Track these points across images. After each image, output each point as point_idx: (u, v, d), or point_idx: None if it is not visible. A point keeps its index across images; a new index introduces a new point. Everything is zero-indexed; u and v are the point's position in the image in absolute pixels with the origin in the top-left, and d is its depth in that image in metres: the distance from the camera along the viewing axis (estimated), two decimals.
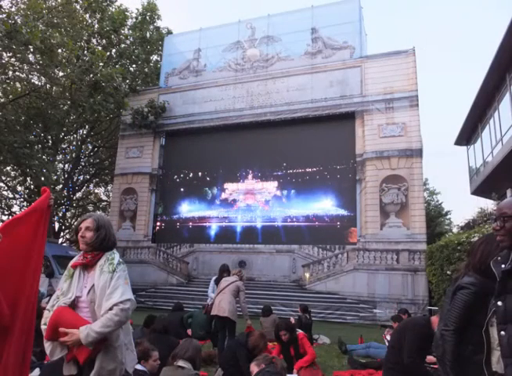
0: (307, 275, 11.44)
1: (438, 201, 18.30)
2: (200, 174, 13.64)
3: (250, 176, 13.02)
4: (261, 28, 13.65)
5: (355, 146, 11.69)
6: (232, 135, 13.39)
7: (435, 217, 17.55)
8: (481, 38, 72.67)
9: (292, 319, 7.69)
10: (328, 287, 11.14)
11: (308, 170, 12.38)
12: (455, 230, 15.02)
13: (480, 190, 15.05)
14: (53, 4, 15.23)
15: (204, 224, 13.21)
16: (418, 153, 11.01)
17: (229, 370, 4.36)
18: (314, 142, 12.32)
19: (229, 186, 13.20)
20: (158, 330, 4.91)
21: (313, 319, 8.01)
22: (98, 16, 15.24)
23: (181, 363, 3.42)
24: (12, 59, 13.92)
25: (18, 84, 15.56)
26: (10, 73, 14.40)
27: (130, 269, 13.19)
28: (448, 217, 18.92)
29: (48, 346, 2.24)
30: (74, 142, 17.93)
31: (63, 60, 14.06)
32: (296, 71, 12.83)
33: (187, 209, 13.52)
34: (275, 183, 12.66)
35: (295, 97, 12.61)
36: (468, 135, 16.28)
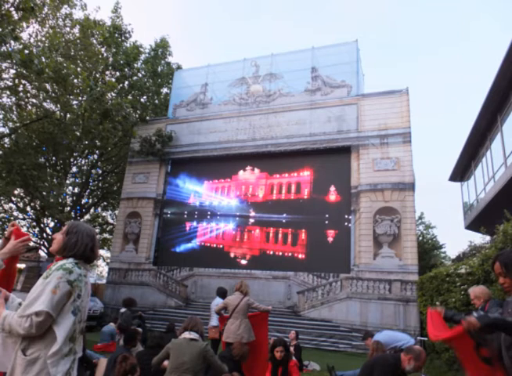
0: (302, 303, 11.68)
1: (433, 235, 18.72)
2: (201, 204, 14.27)
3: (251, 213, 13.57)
4: (264, 66, 14.51)
5: (351, 179, 12.22)
6: (234, 165, 14.03)
7: (430, 250, 17.89)
8: (476, 78, 74.59)
9: (293, 333, 7.90)
10: (322, 315, 11.33)
11: (305, 198, 12.90)
12: (448, 263, 15.29)
13: (473, 225, 15.26)
14: (71, 37, 16.25)
15: (204, 248, 13.64)
16: (410, 186, 11.47)
17: None
18: (312, 174, 12.91)
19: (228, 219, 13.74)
20: (150, 346, 5.02)
21: (306, 346, 8.22)
22: (113, 50, 16.06)
23: (193, 335, 3.77)
24: (29, 87, 14.77)
25: (33, 110, 16.30)
26: (26, 99, 15.22)
27: (131, 290, 13.42)
28: (443, 250, 19.29)
29: None
30: (85, 167, 18.54)
31: (76, 90, 14.89)
32: (296, 107, 13.52)
33: (188, 234, 13.98)
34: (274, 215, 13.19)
35: (295, 131, 13.25)
36: (462, 171, 16.72)
